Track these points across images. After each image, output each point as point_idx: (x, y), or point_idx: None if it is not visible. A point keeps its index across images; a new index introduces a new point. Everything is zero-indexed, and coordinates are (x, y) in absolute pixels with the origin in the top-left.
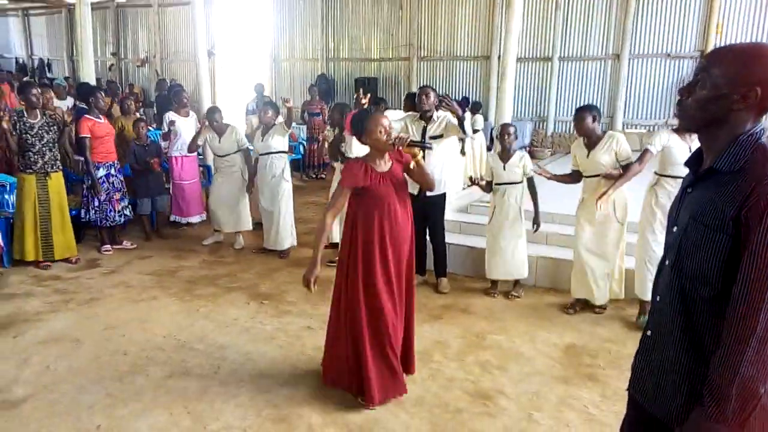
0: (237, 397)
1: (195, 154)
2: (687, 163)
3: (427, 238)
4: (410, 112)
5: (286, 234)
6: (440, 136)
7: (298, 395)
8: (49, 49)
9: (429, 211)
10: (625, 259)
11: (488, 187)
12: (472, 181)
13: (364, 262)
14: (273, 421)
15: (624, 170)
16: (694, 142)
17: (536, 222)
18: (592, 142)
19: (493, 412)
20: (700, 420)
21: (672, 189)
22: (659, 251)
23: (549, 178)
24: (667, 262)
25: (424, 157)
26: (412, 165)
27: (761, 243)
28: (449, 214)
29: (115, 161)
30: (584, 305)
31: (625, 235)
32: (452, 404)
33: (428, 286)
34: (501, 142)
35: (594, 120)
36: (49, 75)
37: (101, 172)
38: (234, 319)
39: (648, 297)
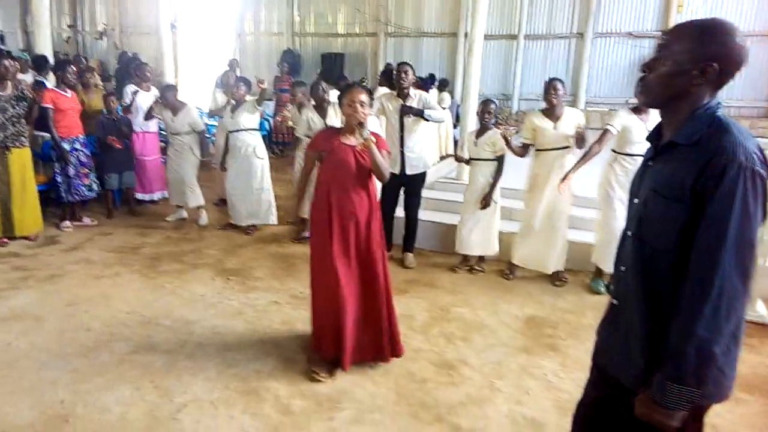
0: (204, 371)
1: (156, 130)
2: (648, 138)
3: (396, 214)
4: (385, 90)
5: (261, 210)
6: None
7: (266, 368)
8: (2, 20)
9: (408, 188)
10: (569, 232)
11: (462, 161)
12: (457, 159)
13: (315, 233)
14: (241, 394)
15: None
16: (650, 122)
17: (486, 199)
18: (556, 115)
19: (457, 381)
20: (661, 382)
21: (629, 167)
22: (619, 226)
23: (507, 145)
24: (629, 233)
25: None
26: (359, 146)
27: (717, 212)
28: None
29: (80, 136)
30: (543, 274)
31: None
32: (418, 374)
33: (394, 261)
34: (480, 118)
35: (564, 92)
36: (2, 47)
37: (66, 147)
38: (200, 294)
39: (607, 267)
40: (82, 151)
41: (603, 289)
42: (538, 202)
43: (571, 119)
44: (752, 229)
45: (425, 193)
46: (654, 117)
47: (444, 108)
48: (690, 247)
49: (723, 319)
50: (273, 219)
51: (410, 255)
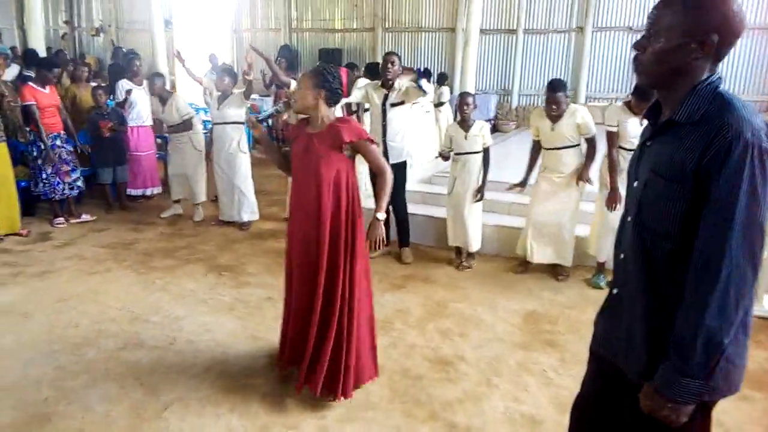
0: (192, 368)
1: (150, 124)
2: (646, 115)
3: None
4: (371, 81)
5: (244, 206)
6: (401, 103)
7: (256, 365)
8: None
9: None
10: (577, 227)
11: (448, 157)
12: (443, 157)
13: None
14: (228, 392)
15: (588, 144)
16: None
17: (480, 192)
18: (557, 115)
19: (453, 377)
20: (667, 375)
21: (627, 159)
22: (615, 219)
23: (520, 185)
24: (628, 218)
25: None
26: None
27: (723, 193)
28: (414, 185)
29: (61, 132)
30: (545, 269)
31: (579, 203)
32: (413, 371)
33: (391, 256)
34: (460, 111)
35: (566, 94)
36: None
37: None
38: (191, 290)
39: (603, 258)
40: (63, 147)
41: (604, 285)
42: (540, 197)
43: (572, 119)
44: (761, 211)
45: (423, 187)
46: None
47: (443, 102)
48: (693, 231)
49: (732, 308)
50: (254, 216)
51: (407, 250)
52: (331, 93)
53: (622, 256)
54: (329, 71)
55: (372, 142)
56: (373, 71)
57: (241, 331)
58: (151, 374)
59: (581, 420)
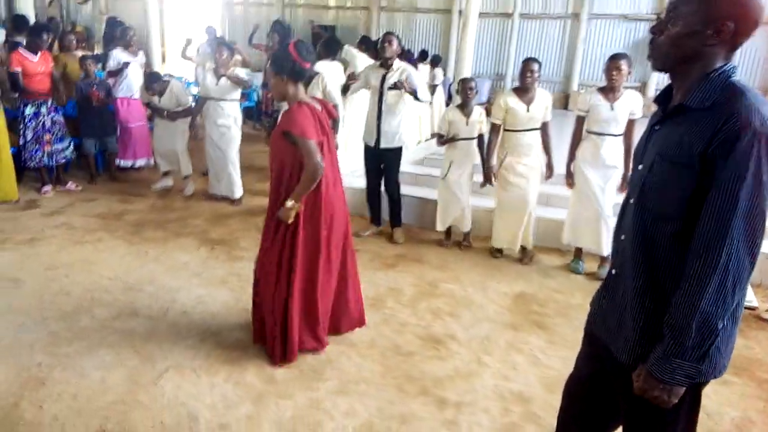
0: (187, 338)
1: (140, 96)
2: (656, 100)
3: (382, 189)
4: (369, 64)
5: (236, 183)
6: (397, 86)
7: (250, 338)
8: None
9: (384, 162)
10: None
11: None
12: (441, 141)
13: None
14: (223, 362)
15: (544, 128)
16: (617, 102)
17: (487, 177)
18: (529, 96)
19: (444, 355)
20: (661, 356)
21: (597, 144)
22: (587, 204)
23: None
24: (631, 200)
25: None
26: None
27: (728, 179)
28: (406, 166)
29: (48, 100)
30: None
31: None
32: (404, 347)
33: (383, 236)
34: (463, 95)
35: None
36: None
37: (29, 110)
38: (184, 262)
39: (579, 245)
40: (47, 116)
41: (582, 270)
42: (507, 182)
43: (543, 102)
44: (764, 199)
45: (415, 168)
46: (625, 97)
47: (436, 84)
48: (694, 216)
49: (728, 294)
50: (239, 192)
51: (398, 230)
52: (291, 73)
53: (622, 237)
54: (279, 55)
55: (305, 137)
56: (368, 44)
57: (234, 304)
58: (146, 343)
59: (573, 399)
